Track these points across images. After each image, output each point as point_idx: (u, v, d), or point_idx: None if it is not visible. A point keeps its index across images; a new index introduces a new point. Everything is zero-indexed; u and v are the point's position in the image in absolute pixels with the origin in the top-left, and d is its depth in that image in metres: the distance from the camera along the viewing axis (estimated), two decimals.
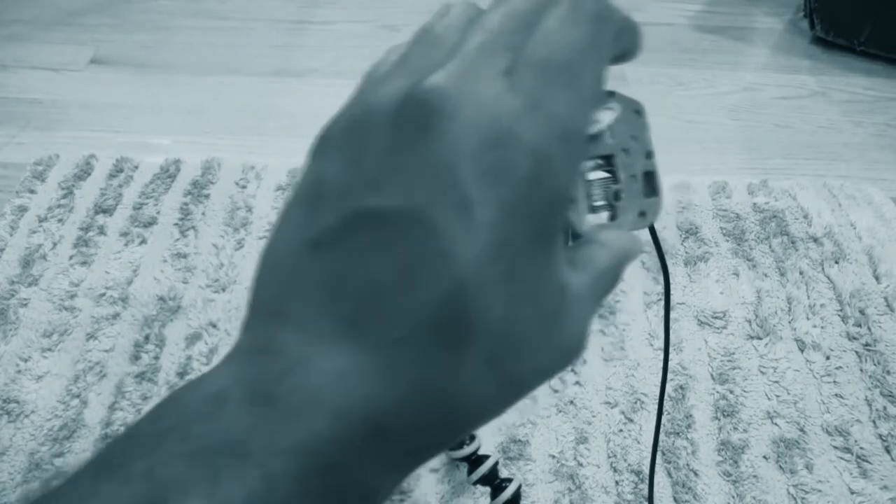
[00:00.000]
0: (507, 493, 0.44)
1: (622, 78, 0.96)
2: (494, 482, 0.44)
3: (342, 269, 0.18)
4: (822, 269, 0.69)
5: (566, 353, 0.21)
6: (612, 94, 0.25)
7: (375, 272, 0.17)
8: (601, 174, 0.25)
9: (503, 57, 0.18)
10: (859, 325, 0.63)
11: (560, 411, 0.57)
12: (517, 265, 0.18)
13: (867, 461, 0.55)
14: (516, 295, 0.18)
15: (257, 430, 0.17)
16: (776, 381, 0.59)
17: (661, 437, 0.55)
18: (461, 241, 0.17)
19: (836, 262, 0.69)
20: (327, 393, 0.17)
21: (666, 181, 0.77)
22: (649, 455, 0.54)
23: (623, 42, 0.21)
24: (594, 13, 0.19)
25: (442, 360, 0.18)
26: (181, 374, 0.58)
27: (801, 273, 0.68)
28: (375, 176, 0.18)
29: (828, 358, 0.61)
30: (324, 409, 0.17)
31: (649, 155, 0.26)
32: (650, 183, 0.26)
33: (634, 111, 0.26)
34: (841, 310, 0.65)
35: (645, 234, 0.76)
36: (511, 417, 0.56)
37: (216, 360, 0.48)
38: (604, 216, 0.25)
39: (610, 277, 0.22)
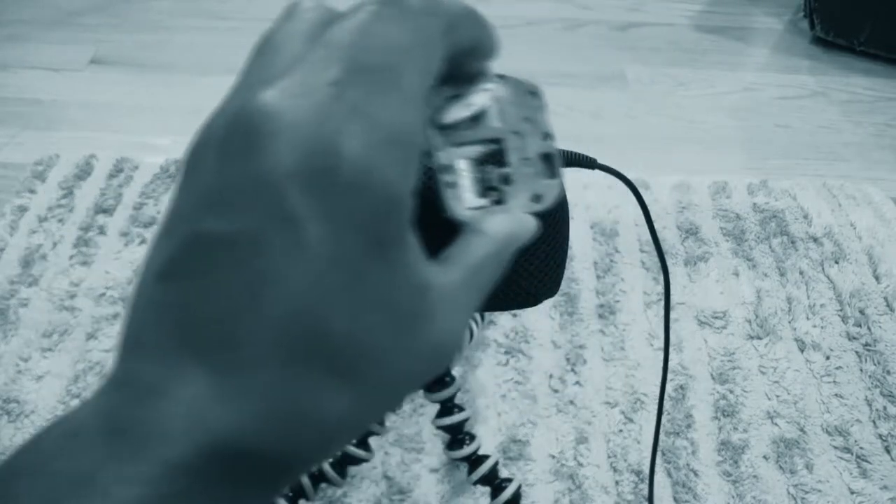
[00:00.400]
0: (507, 493, 0.44)
1: (622, 78, 0.96)
2: (494, 482, 0.44)
3: (189, 297, 0.18)
4: (822, 269, 0.69)
5: (436, 354, 0.20)
6: (501, 77, 0.25)
7: (218, 297, 0.18)
8: (490, 158, 0.25)
9: (335, 68, 0.18)
10: (859, 325, 0.63)
11: (560, 411, 0.57)
12: (356, 275, 0.18)
13: (867, 461, 0.55)
14: (360, 304, 0.18)
15: (107, 462, 0.17)
16: (776, 381, 0.59)
17: (661, 437, 0.55)
18: (293, 259, 0.17)
19: (836, 262, 0.69)
20: (178, 420, 0.17)
21: (666, 181, 0.77)
22: (649, 455, 0.54)
23: (463, 35, 0.20)
24: (417, 9, 0.19)
25: (291, 378, 0.18)
26: None
27: (801, 273, 0.68)
28: (209, 200, 0.18)
29: (828, 358, 0.61)
30: (174, 437, 0.17)
31: (546, 136, 0.25)
32: (548, 165, 0.25)
33: (529, 93, 0.25)
34: (841, 310, 0.65)
35: (645, 234, 0.76)
36: (511, 417, 0.56)
37: None
38: (492, 200, 0.25)
39: (490, 266, 0.22)
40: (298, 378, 0.18)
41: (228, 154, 0.18)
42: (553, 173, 0.25)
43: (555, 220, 0.29)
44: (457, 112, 0.24)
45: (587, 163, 0.35)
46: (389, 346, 0.19)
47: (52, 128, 0.84)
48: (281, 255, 0.17)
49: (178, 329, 0.18)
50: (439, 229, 0.23)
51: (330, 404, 0.18)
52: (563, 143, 0.34)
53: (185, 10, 1.07)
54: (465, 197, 0.24)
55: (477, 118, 0.24)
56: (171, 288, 0.18)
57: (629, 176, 0.35)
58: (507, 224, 0.23)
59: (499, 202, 0.24)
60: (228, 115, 0.18)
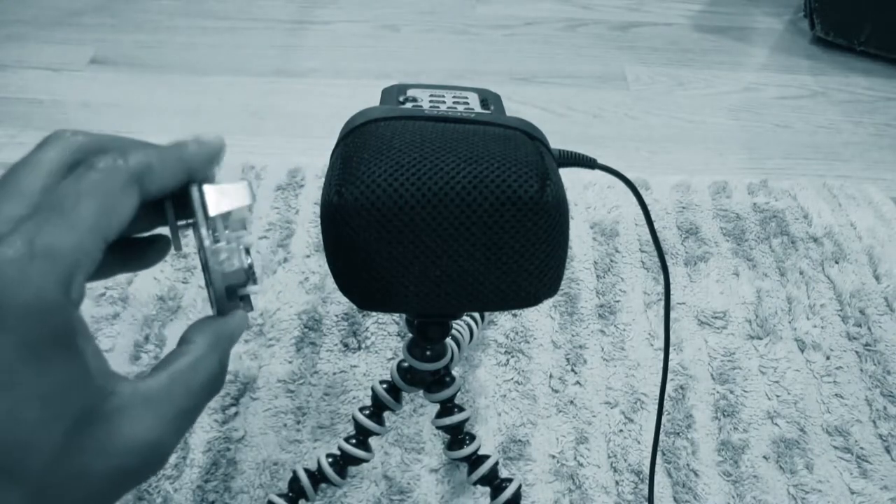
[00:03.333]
0: (507, 493, 0.44)
1: (622, 78, 0.96)
2: (494, 482, 0.44)
3: None
4: (822, 269, 0.69)
5: (133, 453, 0.22)
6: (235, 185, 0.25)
7: None
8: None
9: (23, 206, 0.21)
10: (859, 325, 0.63)
11: (560, 411, 0.57)
12: (11, 374, 0.19)
13: (867, 461, 0.55)
14: (17, 402, 0.19)
15: None
16: (776, 381, 0.59)
17: (661, 437, 0.55)
18: None
19: (836, 262, 0.69)
20: None
21: (666, 181, 0.77)
22: (649, 455, 0.54)
23: (162, 178, 0.24)
24: (101, 167, 0.22)
25: None
26: None
27: (801, 273, 0.68)
28: None
29: (828, 358, 0.61)
30: None
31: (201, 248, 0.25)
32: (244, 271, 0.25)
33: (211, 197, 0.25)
34: (841, 310, 0.65)
35: (645, 234, 0.75)
36: (511, 417, 0.56)
37: None
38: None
39: (199, 369, 0.24)
40: None
41: None
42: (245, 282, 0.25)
43: (555, 219, 0.29)
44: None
45: (587, 163, 0.35)
46: (61, 444, 0.20)
47: (52, 128, 0.83)
48: None
49: None
50: None
51: None
52: (563, 143, 0.34)
53: (185, 10, 1.07)
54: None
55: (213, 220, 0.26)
56: None
57: (629, 176, 0.35)
58: (210, 330, 0.25)
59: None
60: None
